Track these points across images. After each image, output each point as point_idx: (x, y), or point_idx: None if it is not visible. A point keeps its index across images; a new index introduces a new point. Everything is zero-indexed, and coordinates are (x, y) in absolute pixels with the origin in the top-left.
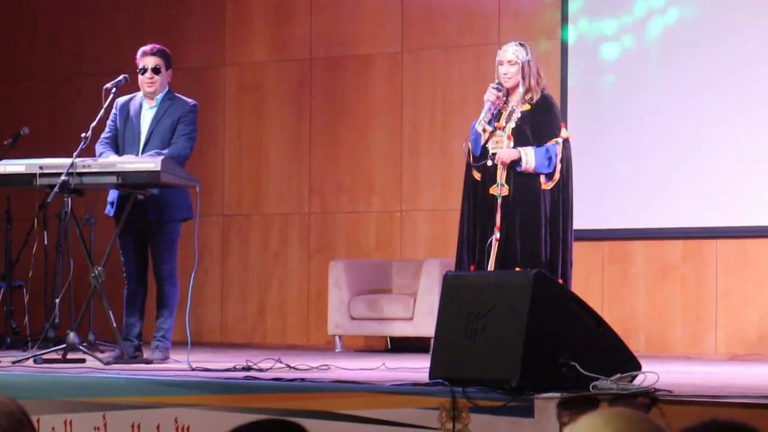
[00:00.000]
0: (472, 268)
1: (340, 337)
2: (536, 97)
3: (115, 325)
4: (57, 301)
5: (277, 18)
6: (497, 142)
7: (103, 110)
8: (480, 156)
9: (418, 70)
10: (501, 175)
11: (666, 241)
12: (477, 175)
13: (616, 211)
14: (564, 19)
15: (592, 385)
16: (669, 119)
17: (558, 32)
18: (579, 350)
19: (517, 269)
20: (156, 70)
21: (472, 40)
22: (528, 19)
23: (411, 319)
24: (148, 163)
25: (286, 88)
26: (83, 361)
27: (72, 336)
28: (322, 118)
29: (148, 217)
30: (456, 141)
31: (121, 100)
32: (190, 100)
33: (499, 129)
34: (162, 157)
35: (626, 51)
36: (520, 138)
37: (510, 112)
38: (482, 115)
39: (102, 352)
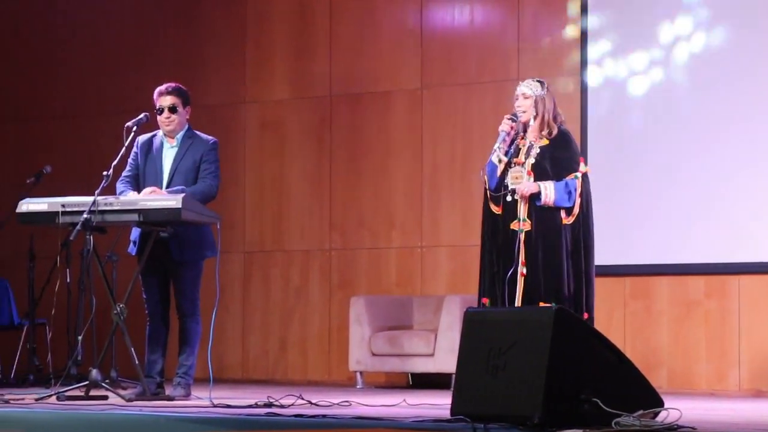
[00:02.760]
0: (484, 300)
1: (361, 373)
2: (554, 131)
3: (137, 362)
4: (79, 338)
5: (297, 55)
6: (516, 178)
7: (124, 148)
8: (495, 189)
9: (438, 106)
10: (522, 210)
11: (689, 277)
12: (495, 209)
13: (638, 246)
14: (584, 56)
15: (614, 421)
16: (692, 155)
17: (578, 69)
18: (601, 386)
19: (541, 304)
20: (173, 109)
21: (491, 77)
22: (548, 55)
23: (432, 355)
24: (169, 200)
25: (306, 125)
26: (106, 398)
27: (94, 373)
28: (342, 155)
29: (172, 256)
30: (477, 177)
31: (142, 138)
32: (210, 138)
33: (518, 164)
34: (183, 194)
35: (648, 88)
36: (540, 173)
37: (528, 147)
38: (496, 144)
39: (124, 389)
